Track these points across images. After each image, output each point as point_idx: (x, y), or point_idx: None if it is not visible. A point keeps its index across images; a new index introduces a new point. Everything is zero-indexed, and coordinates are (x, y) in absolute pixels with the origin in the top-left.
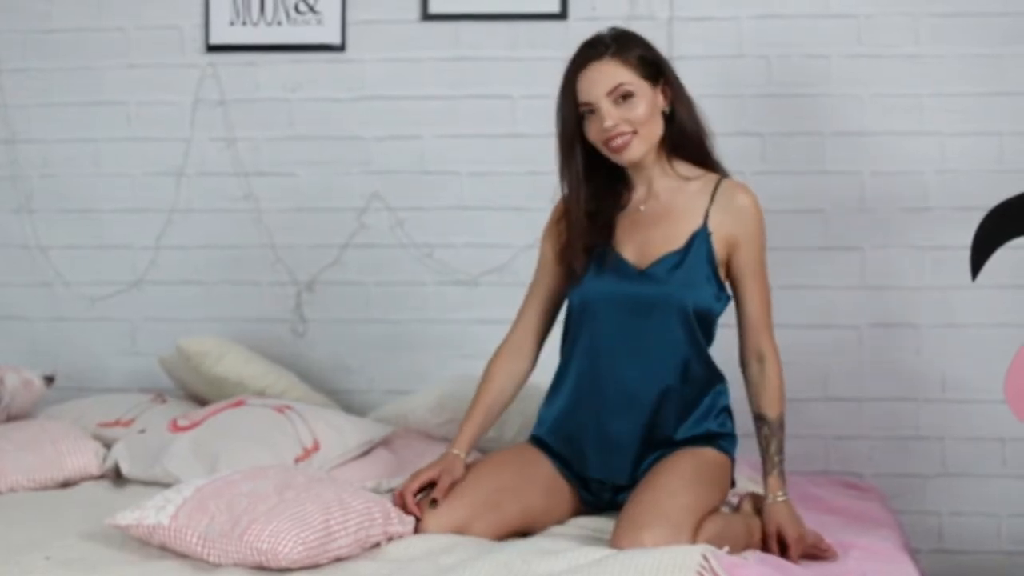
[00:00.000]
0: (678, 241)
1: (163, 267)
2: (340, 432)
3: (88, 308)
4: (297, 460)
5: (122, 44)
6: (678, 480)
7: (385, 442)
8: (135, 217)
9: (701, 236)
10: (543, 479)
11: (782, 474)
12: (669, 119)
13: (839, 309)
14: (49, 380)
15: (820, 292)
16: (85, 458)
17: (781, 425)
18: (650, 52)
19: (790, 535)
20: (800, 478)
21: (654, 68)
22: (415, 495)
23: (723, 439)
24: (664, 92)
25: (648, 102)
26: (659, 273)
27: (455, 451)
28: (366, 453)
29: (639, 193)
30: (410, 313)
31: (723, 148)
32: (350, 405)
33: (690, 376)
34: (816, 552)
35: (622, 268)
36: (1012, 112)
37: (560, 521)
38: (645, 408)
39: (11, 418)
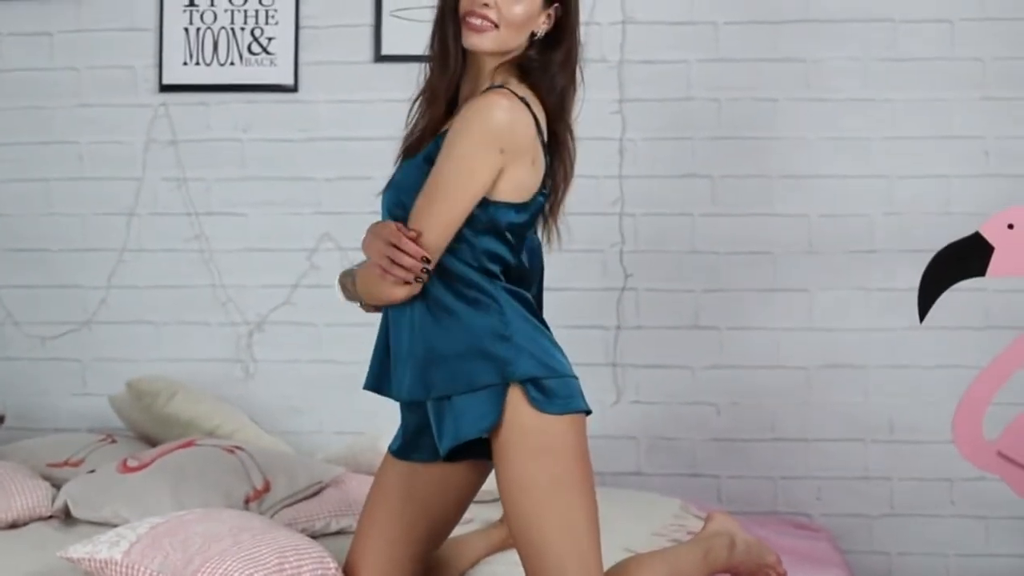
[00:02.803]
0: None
1: (114, 307)
2: (290, 473)
3: (38, 348)
4: (247, 501)
5: (74, 84)
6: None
7: (335, 483)
8: (86, 257)
9: (440, 136)
10: (402, 491)
11: (344, 281)
12: (537, 45)
13: (787, 350)
14: None
15: (768, 333)
16: (34, 498)
17: (353, 286)
18: None
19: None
20: (748, 519)
21: None
22: None
23: (535, 385)
24: (549, 16)
25: (528, 10)
26: (394, 177)
27: None
28: (316, 494)
29: (463, 94)
30: (361, 354)
31: (673, 190)
32: (300, 446)
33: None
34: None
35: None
36: (959, 156)
37: (447, 492)
38: (397, 320)
39: None
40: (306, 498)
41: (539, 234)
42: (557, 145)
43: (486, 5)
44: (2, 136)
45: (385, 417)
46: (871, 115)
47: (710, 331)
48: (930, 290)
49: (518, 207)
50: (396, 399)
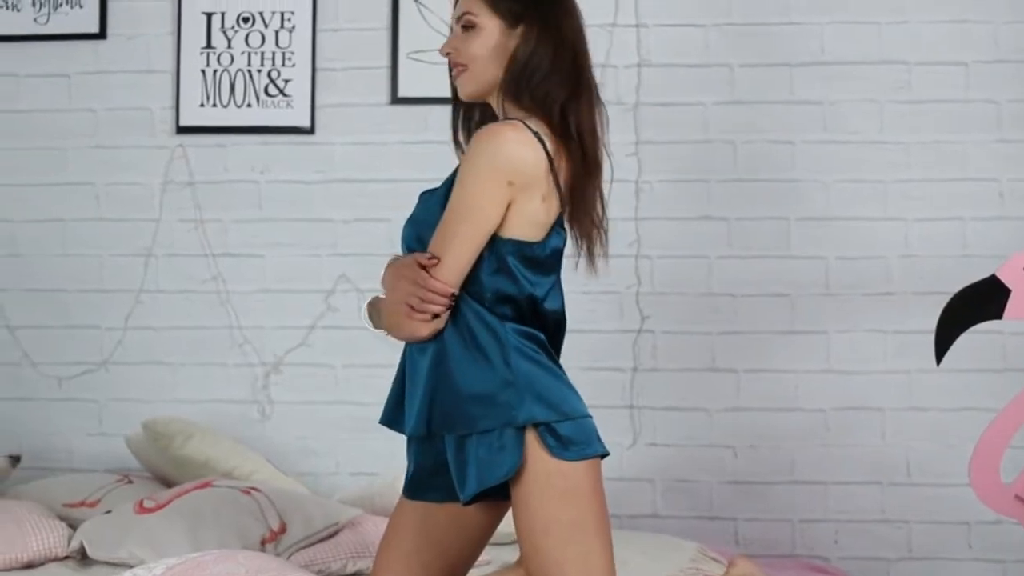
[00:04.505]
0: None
1: (130, 348)
2: (306, 515)
3: (55, 388)
4: (263, 542)
5: (91, 125)
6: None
7: (351, 525)
8: (103, 298)
9: (456, 169)
10: (417, 532)
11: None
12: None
13: (805, 393)
14: (15, 460)
15: (786, 376)
16: (50, 539)
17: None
18: None
19: None
20: (766, 562)
21: (517, 8)
22: None
23: (549, 432)
24: (525, 33)
25: (487, 41)
26: (419, 205)
27: None
28: (332, 535)
29: None
30: (377, 395)
31: (689, 232)
32: (317, 487)
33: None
34: None
35: None
36: (974, 198)
37: (464, 529)
38: (413, 355)
39: None
40: (322, 540)
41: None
42: (582, 197)
43: (448, 53)
44: (20, 176)
45: (403, 458)
46: (887, 157)
47: (727, 373)
48: (947, 333)
49: (531, 246)
50: (405, 434)
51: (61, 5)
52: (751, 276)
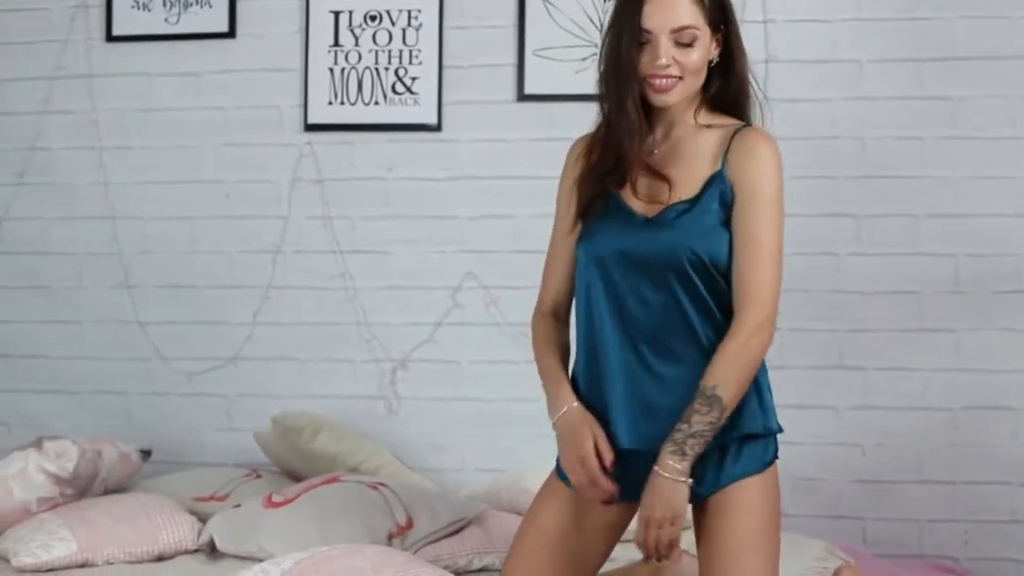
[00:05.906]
0: (691, 188)
1: (259, 343)
2: (433, 510)
3: (185, 383)
4: (391, 537)
5: (221, 123)
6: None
7: (477, 520)
8: (232, 293)
9: (717, 181)
10: (565, 527)
11: (680, 455)
12: (715, 69)
13: (934, 391)
14: (146, 454)
15: (914, 374)
16: (180, 532)
17: (709, 403)
18: None
19: (645, 513)
20: (894, 561)
21: (720, 13)
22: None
23: (771, 438)
24: (718, 41)
25: (704, 50)
26: (667, 220)
27: (575, 404)
28: (458, 531)
29: (655, 136)
30: (503, 391)
31: (817, 229)
32: (443, 482)
33: (706, 336)
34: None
35: (627, 217)
36: None
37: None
38: (660, 372)
39: (108, 491)
40: (449, 535)
41: None
42: None
43: (668, 66)
44: (150, 174)
45: (527, 454)
46: (1017, 153)
47: (855, 371)
48: None
49: None
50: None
51: (191, 5)
52: (879, 273)
